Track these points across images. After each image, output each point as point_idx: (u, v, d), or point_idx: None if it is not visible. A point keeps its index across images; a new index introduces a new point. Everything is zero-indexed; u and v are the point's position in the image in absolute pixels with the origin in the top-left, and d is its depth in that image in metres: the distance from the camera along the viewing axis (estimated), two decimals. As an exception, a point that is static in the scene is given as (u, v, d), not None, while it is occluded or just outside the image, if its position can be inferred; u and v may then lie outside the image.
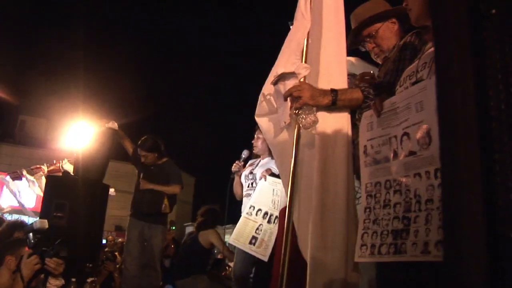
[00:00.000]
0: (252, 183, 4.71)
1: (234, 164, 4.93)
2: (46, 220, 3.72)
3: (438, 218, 1.64)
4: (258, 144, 4.85)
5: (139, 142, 6.09)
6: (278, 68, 2.86)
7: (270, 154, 4.69)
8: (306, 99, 2.44)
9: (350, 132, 2.50)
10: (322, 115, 2.49)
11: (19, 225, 4.62)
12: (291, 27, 2.87)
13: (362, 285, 2.41)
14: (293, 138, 2.66)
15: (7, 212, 17.02)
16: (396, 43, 2.74)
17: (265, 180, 4.13)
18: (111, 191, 6.20)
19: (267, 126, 2.93)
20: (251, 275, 4.27)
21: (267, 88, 2.92)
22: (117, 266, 6.40)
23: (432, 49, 1.94)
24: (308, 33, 2.77)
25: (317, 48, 2.68)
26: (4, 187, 14.11)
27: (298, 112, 2.46)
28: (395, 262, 1.80)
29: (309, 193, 2.51)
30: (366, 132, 2.15)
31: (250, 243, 3.95)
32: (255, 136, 4.87)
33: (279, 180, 3.81)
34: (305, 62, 2.74)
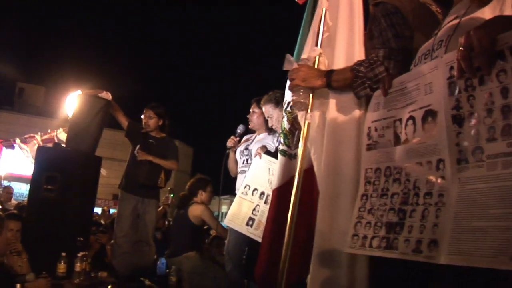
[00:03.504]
0: (247, 160, 4.59)
1: (229, 139, 4.80)
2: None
3: (435, 215, 1.53)
4: (253, 119, 4.72)
5: (150, 104, 6.02)
6: (303, 55, 2.78)
7: (266, 129, 4.56)
8: (297, 81, 2.42)
9: (361, 116, 2.35)
10: (332, 98, 2.42)
11: None
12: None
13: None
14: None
15: (5, 179, 17.09)
16: None
17: (260, 158, 3.98)
18: (102, 171, 6.05)
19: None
20: (245, 255, 4.17)
21: None
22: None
23: (452, 23, 1.77)
24: (326, 17, 2.64)
25: (334, 31, 2.60)
26: (3, 153, 14.12)
27: (292, 93, 2.47)
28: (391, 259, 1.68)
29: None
30: (372, 113, 2.02)
31: (247, 224, 3.84)
32: (251, 110, 4.72)
33: (275, 160, 3.67)
34: (319, 45, 2.62)
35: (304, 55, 2.72)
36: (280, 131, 3.50)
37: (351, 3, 2.59)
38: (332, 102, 2.42)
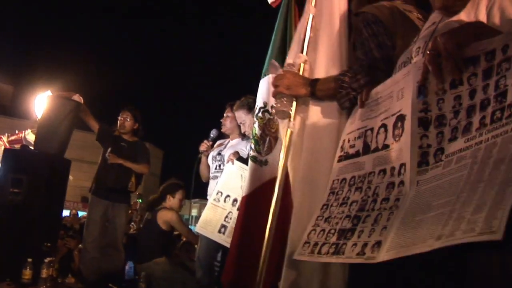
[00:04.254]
0: (219, 165, 4.54)
1: (202, 144, 4.75)
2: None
3: (387, 218, 1.52)
4: (226, 123, 4.67)
5: (128, 106, 5.96)
6: (288, 59, 2.76)
7: (239, 134, 4.53)
8: (281, 88, 2.37)
9: (341, 126, 2.33)
10: (314, 106, 2.40)
11: None
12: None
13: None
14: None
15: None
16: None
17: (233, 164, 3.95)
18: (70, 178, 5.92)
19: None
20: (218, 262, 4.14)
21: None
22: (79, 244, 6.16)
23: (429, 29, 1.77)
24: (312, 23, 2.63)
25: (317, 38, 2.58)
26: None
27: (275, 100, 2.43)
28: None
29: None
30: (349, 125, 2.01)
31: (220, 231, 3.79)
32: (224, 114, 4.68)
33: (247, 167, 3.64)
34: (305, 52, 2.61)
35: (289, 60, 2.70)
36: (251, 137, 3.48)
37: (335, 11, 2.58)
38: (313, 110, 2.40)
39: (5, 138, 8.88)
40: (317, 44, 2.58)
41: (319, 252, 1.76)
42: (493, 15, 1.57)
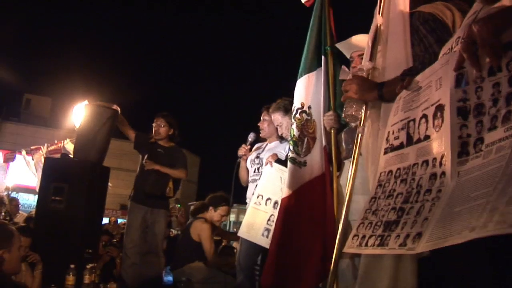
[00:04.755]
0: (258, 168, 4.52)
1: (240, 148, 4.73)
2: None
3: (429, 210, 1.52)
4: (264, 127, 4.64)
5: (161, 113, 6.01)
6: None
7: (277, 137, 4.50)
8: (351, 93, 2.40)
9: None
10: (384, 109, 2.41)
11: None
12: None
13: None
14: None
15: (13, 190, 17.13)
16: None
17: (271, 166, 3.92)
18: (109, 185, 6.00)
19: None
20: (258, 265, 4.11)
21: None
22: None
23: (470, 19, 1.73)
24: (379, 28, 2.67)
25: (385, 44, 2.61)
26: (10, 164, 14.20)
27: (345, 105, 2.49)
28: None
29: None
30: (392, 117, 1.99)
31: (263, 235, 3.78)
32: (261, 118, 4.65)
33: (286, 169, 3.62)
34: (371, 58, 2.67)
35: (362, 66, 2.72)
36: (289, 138, 3.46)
37: (400, 17, 2.58)
38: (383, 114, 2.39)
39: (44, 149, 9.11)
40: (385, 50, 2.59)
41: (366, 244, 1.78)
42: None
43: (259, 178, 4.30)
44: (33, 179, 10.62)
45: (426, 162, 1.65)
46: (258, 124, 4.69)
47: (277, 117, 4.23)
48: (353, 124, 2.70)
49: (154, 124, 5.94)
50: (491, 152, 1.35)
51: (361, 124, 2.50)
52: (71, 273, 4.33)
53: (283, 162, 3.88)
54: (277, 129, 4.34)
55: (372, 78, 2.52)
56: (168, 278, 6.55)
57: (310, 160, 3.34)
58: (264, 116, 4.62)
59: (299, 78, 3.52)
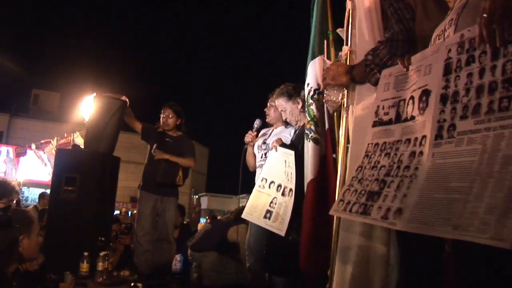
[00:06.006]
0: (265, 153, 4.56)
1: (247, 134, 4.76)
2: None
3: (407, 186, 1.66)
4: (270, 113, 4.69)
5: (168, 103, 6.09)
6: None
7: (283, 122, 4.55)
8: (328, 80, 2.59)
9: None
10: (357, 90, 2.56)
11: None
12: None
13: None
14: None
15: (24, 185, 17.26)
16: None
17: (276, 151, 3.98)
18: None
19: None
20: (264, 248, 4.17)
21: None
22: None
23: (462, 1, 1.79)
24: (352, 15, 2.79)
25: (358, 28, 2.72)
26: (21, 159, 14.33)
27: (325, 92, 2.67)
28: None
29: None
30: (382, 92, 2.11)
31: (265, 217, 3.80)
32: (268, 104, 4.70)
33: (291, 152, 3.67)
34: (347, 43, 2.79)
35: (341, 52, 2.86)
36: (309, 119, 3.46)
37: (369, 1, 2.67)
38: (356, 94, 2.54)
39: (54, 142, 9.20)
40: (359, 34, 2.68)
41: (350, 210, 1.94)
42: None
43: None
44: (44, 174, 10.72)
45: (409, 140, 1.79)
46: (264, 109, 4.75)
47: (281, 103, 4.26)
48: (331, 110, 2.91)
49: (162, 115, 6.02)
50: (462, 142, 1.47)
51: (345, 106, 2.64)
52: (85, 261, 4.43)
53: (287, 146, 3.93)
54: (281, 114, 4.39)
55: (351, 62, 2.65)
56: (178, 265, 6.65)
57: None
58: (270, 102, 4.66)
59: (313, 59, 3.53)
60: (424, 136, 1.68)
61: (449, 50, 1.63)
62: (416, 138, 1.74)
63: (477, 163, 1.38)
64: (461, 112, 1.51)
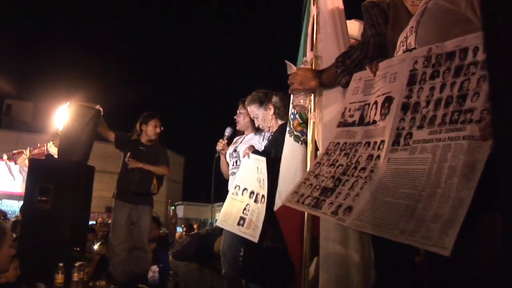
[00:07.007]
0: (236, 161, 4.60)
1: (218, 143, 4.79)
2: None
3: (361, 187, 1.74)
4: (240, 120, 4.73)
5: (155, 114, 6.14)
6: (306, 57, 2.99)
7: (253, 129, 4.61)
8: (295, 85, 2.63)
9: None
10: (325, 94, 2.63)
11: None
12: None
13: None
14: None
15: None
16: None
17: (248, 158, 4.02)
18: None
19: None
20: (240, 255, 4.20)
21: None
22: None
23: (421, 8, 1.86)
24: (316, 20, 2.85)
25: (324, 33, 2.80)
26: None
27: (292, 96, 2.72)
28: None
29: None
30: (351, 95, 2.18)
31: (239, 224, 3.84)
32: (238, 111, 4.75)
33: (263, 158, 3.72)
34: (313, 48, 2.86)
35: (306, 58, 2.91)
36: (301, 121, 3.46)
37: (332, 5, 2.77)
38: (324, 98, 2.61)
39: (27, 152, 9.07)
40: (325, 39, 2.76)
41: (302, 203, 2.01)
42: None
43: (237, 171, 4.35)
44: (16, 185, 10.54)
45: (368, 143, 1.86)
46: (234, 117, 4.78)
47: (253, 109, 4.31)
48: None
49: (150, 127, 6.04)
50: (416, 150, 1.56)
51: (312, 111, 2.70)
52: (60, 272, 4.40)
53: (259, 153, 3.96)
54: (253, 121, 4.45)
55: (316, 67, 2.72)
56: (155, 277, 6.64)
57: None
58: (240, 109, 4.71)
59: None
60: (382, 141, 1.76)
61: (416, 62, 1.71)
62: (375, 142, 1.81)
63: (427, 172, 1.47)
64: (419, 122, 1.60)
